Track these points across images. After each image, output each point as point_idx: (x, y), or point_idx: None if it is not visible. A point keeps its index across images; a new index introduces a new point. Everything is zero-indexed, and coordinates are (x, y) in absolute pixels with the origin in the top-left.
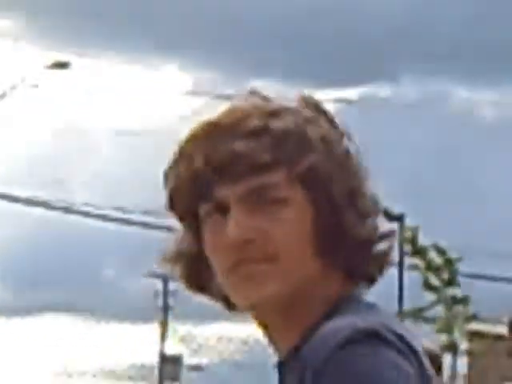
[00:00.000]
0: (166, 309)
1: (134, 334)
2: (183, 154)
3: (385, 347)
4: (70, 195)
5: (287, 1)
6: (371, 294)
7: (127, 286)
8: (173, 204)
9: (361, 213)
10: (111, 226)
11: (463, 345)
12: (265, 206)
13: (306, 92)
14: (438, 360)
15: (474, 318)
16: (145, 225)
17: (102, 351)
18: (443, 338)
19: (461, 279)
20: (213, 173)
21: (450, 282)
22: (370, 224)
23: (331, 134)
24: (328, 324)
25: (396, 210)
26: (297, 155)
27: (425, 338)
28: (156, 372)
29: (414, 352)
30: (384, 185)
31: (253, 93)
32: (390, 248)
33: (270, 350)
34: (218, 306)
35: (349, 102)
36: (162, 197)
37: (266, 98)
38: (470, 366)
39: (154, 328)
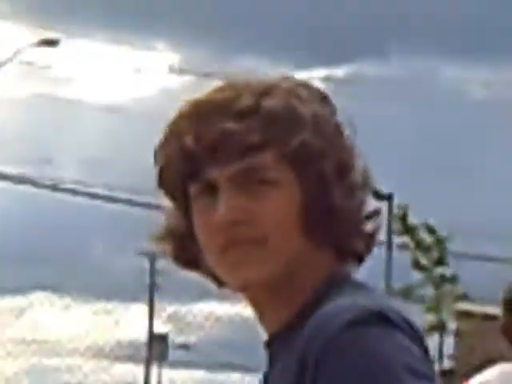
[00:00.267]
0: (152, 287)
1: (123, 312)
2: (174, 132)
3: (392, 329)
4: (58, 172)
5: None
6: (358, 274)
7: (116, 264)
8: (162, 182)
9: (350, 188)
10: (99, 203)
11: (451, 324)
12: (254, 187)
13: (294, 71)
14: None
15: (464, 297)
16: (133, 203)
17: (89, 330)
18: (431, 317)
19: (450, 259)
20: (203, 153)
21: (440, 261)
22: (358, 199)
23: (323, 111)
24: (329, 303)
25: (384, 189)
26: (287, 134)
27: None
28: (144, 350)
29: (418, 334)
30: (372, 164)
31: (244, 71)
32: (378, 225)
33: (258, 329)
34: (206, 283)
35: (336, 80)
36: (151, 175)
37: (257, 77)
38: (457, 346)
39: (143, 307)
